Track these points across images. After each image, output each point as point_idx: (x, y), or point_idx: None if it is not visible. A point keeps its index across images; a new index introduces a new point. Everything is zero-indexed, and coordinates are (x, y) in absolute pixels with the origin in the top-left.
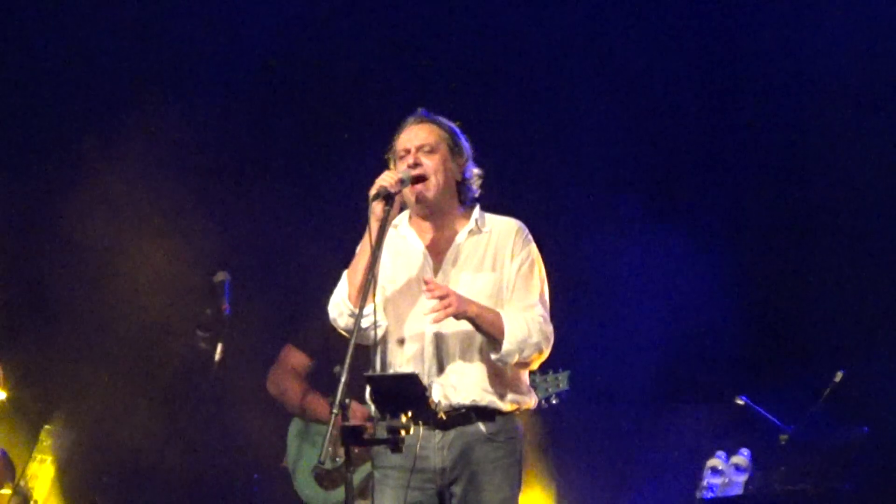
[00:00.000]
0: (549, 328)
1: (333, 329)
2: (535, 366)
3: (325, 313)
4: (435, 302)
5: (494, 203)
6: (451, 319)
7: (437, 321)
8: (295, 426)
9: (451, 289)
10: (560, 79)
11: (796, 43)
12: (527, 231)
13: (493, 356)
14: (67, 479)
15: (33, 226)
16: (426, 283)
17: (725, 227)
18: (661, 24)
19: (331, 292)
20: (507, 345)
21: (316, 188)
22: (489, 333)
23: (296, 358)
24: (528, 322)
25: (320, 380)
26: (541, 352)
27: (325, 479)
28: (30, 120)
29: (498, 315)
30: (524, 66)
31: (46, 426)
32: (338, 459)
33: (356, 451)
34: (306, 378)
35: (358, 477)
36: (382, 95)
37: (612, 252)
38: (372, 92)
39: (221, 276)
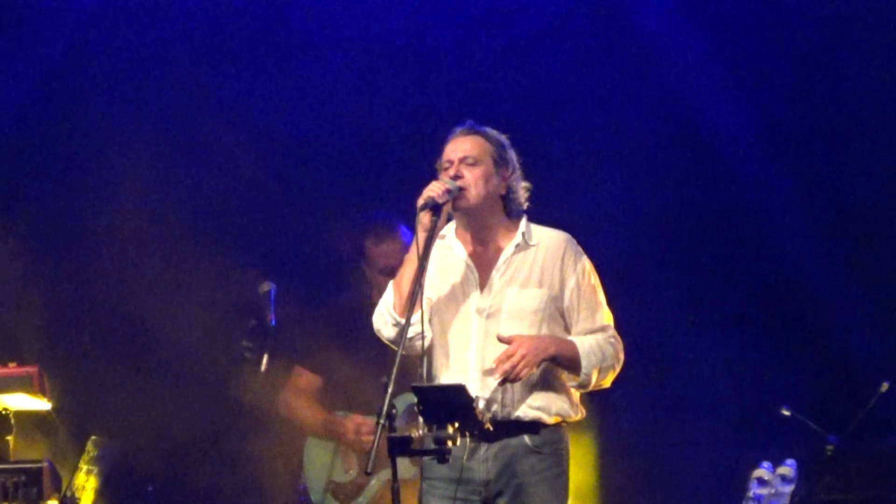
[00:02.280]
0: (620, 345)
1: (339, 346)
2: (607, 383)
3: (330, 331)
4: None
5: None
6: (494, 332)
7: (520, 379)
8: (311, 444)
9: (524, 343)
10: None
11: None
12: (575, 243)
13: (571, 384)
14: (113, 489)
15: (77, 236)
16: (498, 364)
17: (767, 234)
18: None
19: (335, 310)
20: (584, 376)
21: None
22: (567, 368)
23: (305, 378)
24: (601, 346)
25: (330, 397)
26: (615, 370)
27: (339, 492)
28: (77, 129)
29: (573, 345)
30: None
31: (92, 437)
32: (351, 472)
33: (363, 461)
34: (317, 397)
35: (373, 487)
36: (426, 110)
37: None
38: (416, 106)
39: (267, 286)
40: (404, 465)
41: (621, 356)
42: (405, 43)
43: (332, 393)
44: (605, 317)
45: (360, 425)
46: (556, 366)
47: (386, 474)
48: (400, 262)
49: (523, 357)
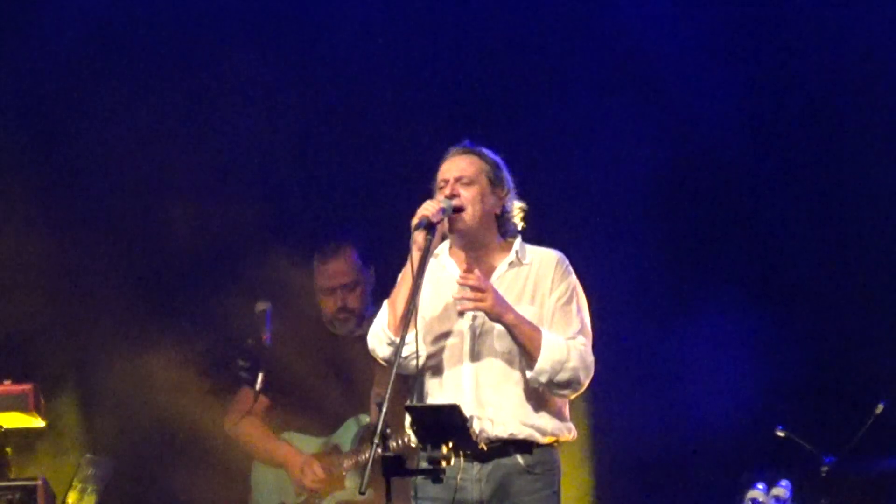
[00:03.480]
0: (591, 358)
1: (285, 368)
2: (572, 395)
3: (277, 352)
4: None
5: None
6: (490, 351)
7: (463, 309)
8: (258, 466)
9: (492, 286)
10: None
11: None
12: (567, 262)
13: (527, 373)
14: None
15: (73, 254)
16: (466, 272)
17: (763, 253)
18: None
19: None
20: (542, 363)
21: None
22: (524, 347)
23: (249, 398)
24: (568, 346)
25: (277, 418)
26: (578, 380)
27: None
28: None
29: (538, 331)
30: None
31: (86, 455)
32: (303, 495)
33: (317, 481)
34: (263, 416)
35: None
36: (422, 123)
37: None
38: (413, 119)
39: (263, 305)
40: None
41: (590, 368)
42: (395, 53)
43: (279, 414)
44: (580, 329)
45: (307, 466)
46: (513, 342)
47: (338, 496)
48: (344, 283)
49: (483, 293)
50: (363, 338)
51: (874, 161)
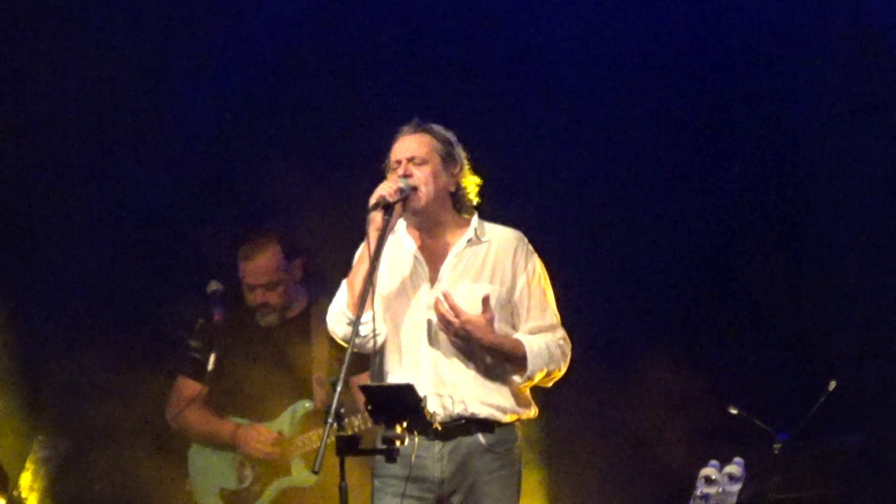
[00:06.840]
0: (569, 346)
1: (218, 351)
2: (549, 383)
3: (205, 338)
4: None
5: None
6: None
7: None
8: (195, 451)
9: (468, 316)
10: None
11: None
12: (527, 242)
13: (514, 377)
14: (60, 488)
15: (26, 234)
16: (444, 297)
17: (716, 233)
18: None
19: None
20: (529, 372)
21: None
22: (508, 362)
23: (189, 388)
24: (549, 348)
25: (217, 404)
26: (560, 372)
27: (232, 500)
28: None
29: (519, 345)
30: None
31: (39, 436)
32: (246, 480)
33: (259, 469)
34: (204, 404)
35: (269, 495)
36: (383, 99)
37: (606, 249)
38: (373, 95)
39: (214, 285)
40: (304, 474)
41: (568, 357)
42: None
43: (218, 400)
44: (555, 317)
45: (254, 431)
46: (499, 359)
47: (282, 483)
48: (264, 283)
49: (465, 323)
50: (294, 321)
51: (826, 138)
